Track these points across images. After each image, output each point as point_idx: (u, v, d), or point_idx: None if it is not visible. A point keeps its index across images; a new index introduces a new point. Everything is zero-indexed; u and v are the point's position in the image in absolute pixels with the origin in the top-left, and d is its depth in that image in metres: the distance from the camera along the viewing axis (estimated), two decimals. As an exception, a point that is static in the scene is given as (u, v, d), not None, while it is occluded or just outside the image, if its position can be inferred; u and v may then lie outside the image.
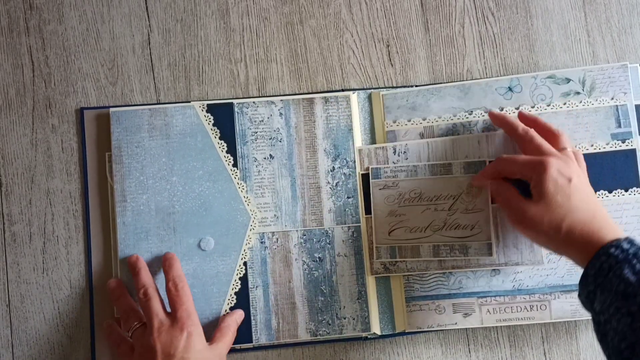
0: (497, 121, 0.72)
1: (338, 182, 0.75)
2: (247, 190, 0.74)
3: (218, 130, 0.75)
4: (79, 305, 0.74)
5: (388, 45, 0.80)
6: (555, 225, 0.63)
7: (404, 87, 0.78)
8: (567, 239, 0.62)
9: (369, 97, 0.78)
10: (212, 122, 0.75)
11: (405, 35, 0.80)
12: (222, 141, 0.74)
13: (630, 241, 0.58)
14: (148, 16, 0.79)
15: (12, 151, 0.76)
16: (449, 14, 0.80)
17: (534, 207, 0.64)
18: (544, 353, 0.76)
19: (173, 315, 0.67)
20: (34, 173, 0.76)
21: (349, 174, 0.75)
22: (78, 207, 0.75)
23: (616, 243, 0.58)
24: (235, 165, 0.74)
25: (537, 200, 0.65)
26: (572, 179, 0.64)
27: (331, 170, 0.75)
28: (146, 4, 0.79)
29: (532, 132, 0.69)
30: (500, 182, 0.70)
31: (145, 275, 0.70)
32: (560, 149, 0.68)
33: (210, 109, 0.76)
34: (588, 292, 0.59)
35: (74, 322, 0.74)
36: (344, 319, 0.74)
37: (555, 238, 0.63)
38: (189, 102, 0.76)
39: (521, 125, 0.70)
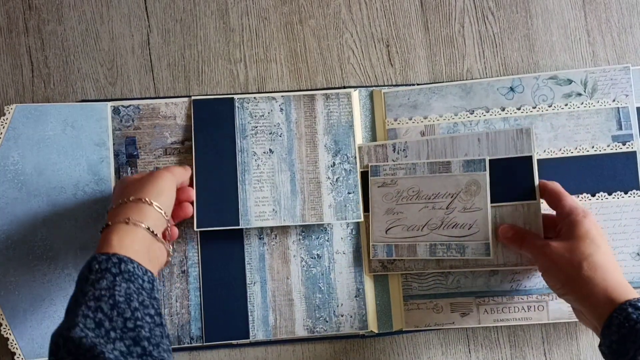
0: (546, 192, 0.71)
1: (338, 177, 0.75)
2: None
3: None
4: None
5: (388, 45, 0.80)
6: (577, 261, 0.63)
7: (406, 85, 0.78)
8: (587, 278, 0.62)
9: (370, 95, 0.78)
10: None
11: (405, 35, 0.80)
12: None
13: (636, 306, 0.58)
14: (147, 16, 0.79)
15: (11, 150, 0.76)
16: (448, 13, 0.80)
17: (558, 243, 0.65)
18: (544, 353, 0.76)
19: None
20: (33, 173, 0.76)
21: (350, 170, 0.75)
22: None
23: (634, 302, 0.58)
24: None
25: (567, 237, 0.65)
26: (603, 236, 0.65)
27: (331, 166, 0.75)
28: (145, 4, 0.79)
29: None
30: (519, 228, 0.71)
31: None
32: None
33: (207, 103, 0.76)
34: (611, 341, 0.58)
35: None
36: (342, 316, 0.74)
37: (574, 276, 0.63)
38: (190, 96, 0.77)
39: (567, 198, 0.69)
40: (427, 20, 0.80)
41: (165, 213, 0.63)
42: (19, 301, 0.72)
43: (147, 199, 0.62)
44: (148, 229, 0.60)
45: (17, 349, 0.71)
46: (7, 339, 0.71)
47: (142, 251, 0.58)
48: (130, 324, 0.51)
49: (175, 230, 0.70)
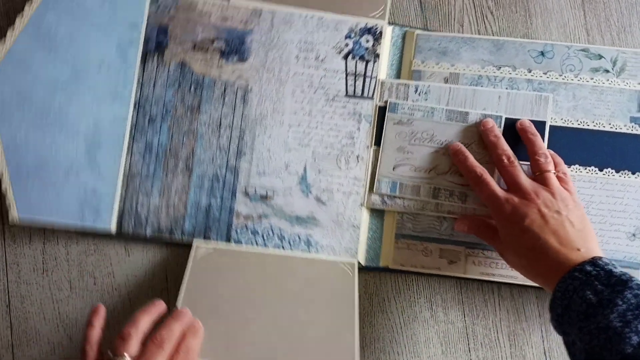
0: (486, 137, 0.73)
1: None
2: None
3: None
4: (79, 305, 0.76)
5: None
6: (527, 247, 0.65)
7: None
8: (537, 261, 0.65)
9: (403, 36, 0.78)
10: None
11: (404, 35, 0.80)
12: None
13: (594, 263, 0.59)
14: None
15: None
16: (448, 13, 0.80)
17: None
18: (544, 352, 0.76)
19: None
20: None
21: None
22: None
23: (580, 267, 0.59)
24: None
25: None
26: (549, 221, 0.65)
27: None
28: None
29: (516, 165, 0.70)
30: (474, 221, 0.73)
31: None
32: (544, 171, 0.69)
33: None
34: (557, 315, 0.60)
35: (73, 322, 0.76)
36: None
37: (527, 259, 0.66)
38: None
39: (505, 153, 0.71)
40: (427, 20, 0.80)
41: None
42: (24, 159, 0.73)
43: None
44: None
45: (13, 202, 0.72)
46: (6, 191, 0.72)
47: None
48: None
49: None
